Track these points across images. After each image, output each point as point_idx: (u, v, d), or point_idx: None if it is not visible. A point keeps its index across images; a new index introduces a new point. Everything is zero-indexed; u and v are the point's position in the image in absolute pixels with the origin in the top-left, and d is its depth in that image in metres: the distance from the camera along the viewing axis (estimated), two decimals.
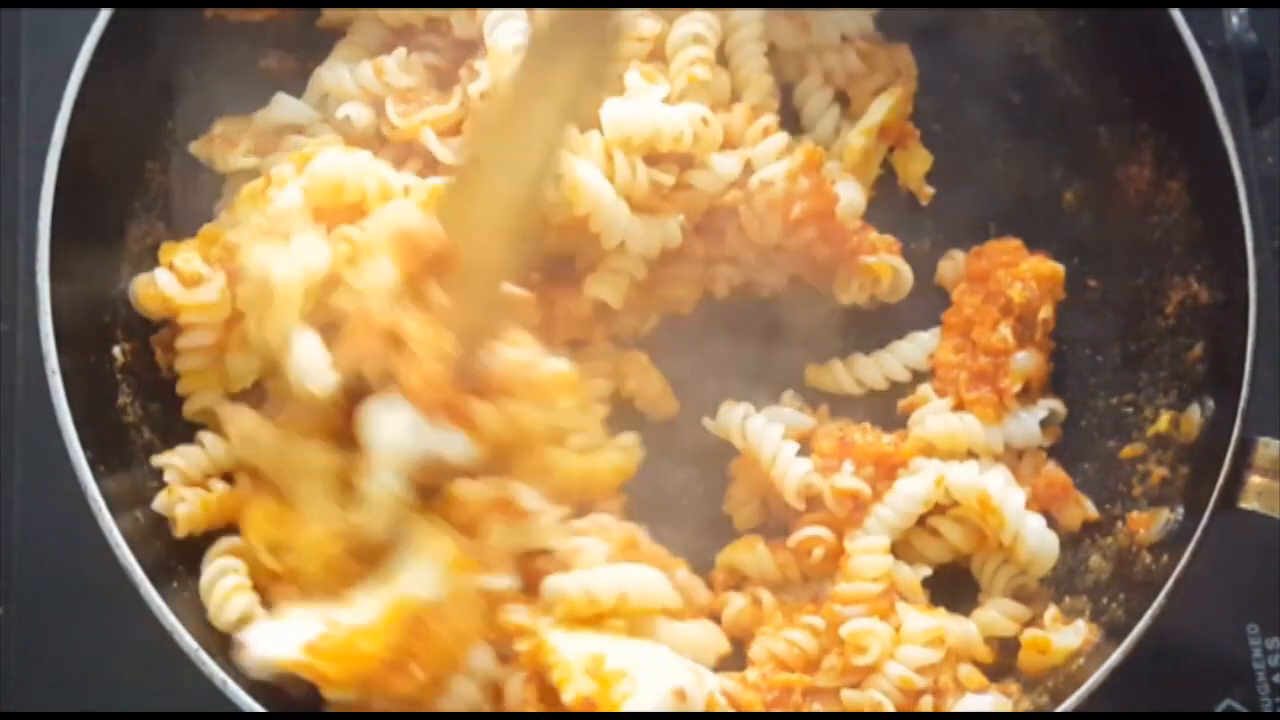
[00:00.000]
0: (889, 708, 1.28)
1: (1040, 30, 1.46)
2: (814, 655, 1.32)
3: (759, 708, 1.28)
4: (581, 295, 1.36)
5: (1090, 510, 1.38)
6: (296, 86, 1.42)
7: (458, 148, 1.35)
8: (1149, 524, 1.33)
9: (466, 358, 1.22)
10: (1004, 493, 1.32)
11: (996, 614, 1.34)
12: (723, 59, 1.40)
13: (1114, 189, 1.44)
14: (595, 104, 1.29)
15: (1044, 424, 1.39)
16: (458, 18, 1.39)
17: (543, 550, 1.26)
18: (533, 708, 1.22)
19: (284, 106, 1.40)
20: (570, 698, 1.19)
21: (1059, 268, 1.40)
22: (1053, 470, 1.38)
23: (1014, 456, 1.38)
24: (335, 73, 1.39)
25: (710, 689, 1.24)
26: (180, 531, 1.28)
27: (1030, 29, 1.46)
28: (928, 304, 1.44)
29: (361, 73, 1.38)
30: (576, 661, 1.21)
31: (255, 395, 1.33)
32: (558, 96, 1.22)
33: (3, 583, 1.39)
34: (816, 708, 1.30)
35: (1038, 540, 1.33)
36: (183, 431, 1.34)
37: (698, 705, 1.21)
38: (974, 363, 1.38)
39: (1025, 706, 1.29)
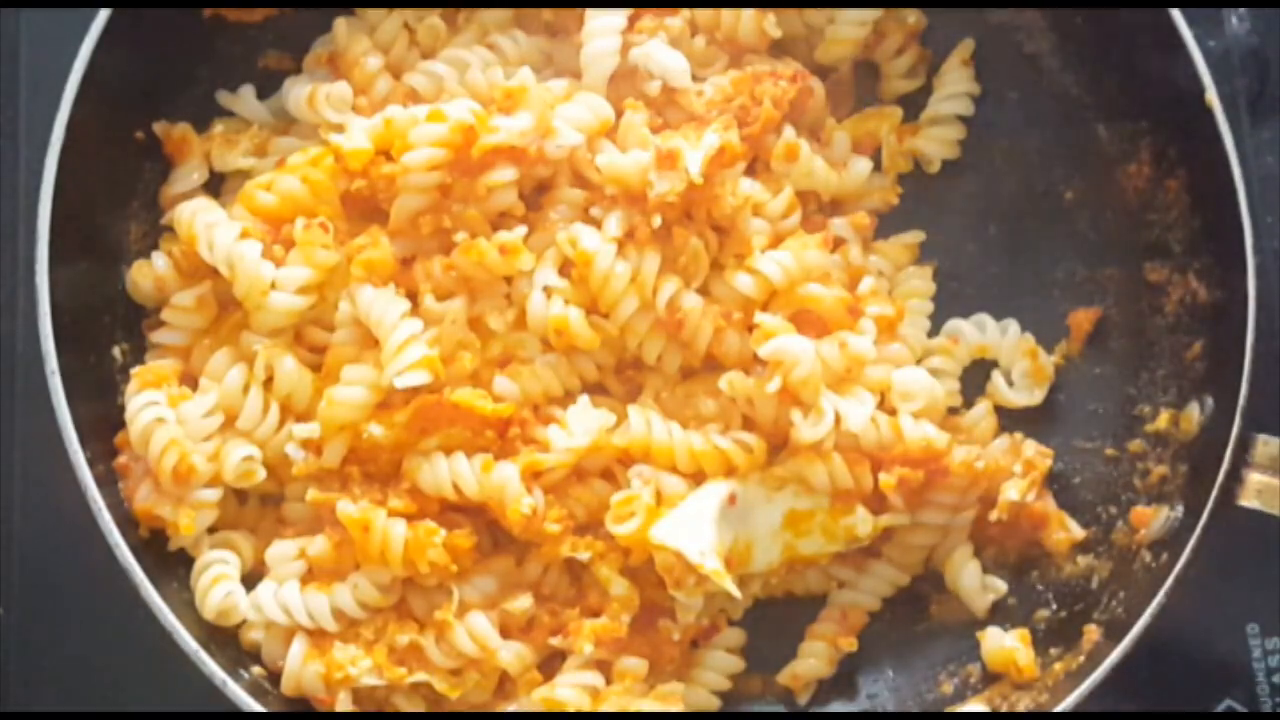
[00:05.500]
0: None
1: (1040, 30, 1.46)
2: None
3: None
4: None
5: (1075, 531, 1.38)
6: None
7: None
8: (1149, 522, 1.33)
9: None
10: None
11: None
12: None
13: (1114, 188, 1.44)
14: None
15: None
16: None
17: None
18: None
19: (243, 101, 1.40)
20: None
21: None
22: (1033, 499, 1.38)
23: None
24: (295, 92, 1.38)
25: None
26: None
27: (1030, 28, 1.46)
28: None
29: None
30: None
31: None
32: None
33: (3, 583, 1.40)
34: None
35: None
36: None
37: None
38: None
39: (1025, 706, 1.29)
